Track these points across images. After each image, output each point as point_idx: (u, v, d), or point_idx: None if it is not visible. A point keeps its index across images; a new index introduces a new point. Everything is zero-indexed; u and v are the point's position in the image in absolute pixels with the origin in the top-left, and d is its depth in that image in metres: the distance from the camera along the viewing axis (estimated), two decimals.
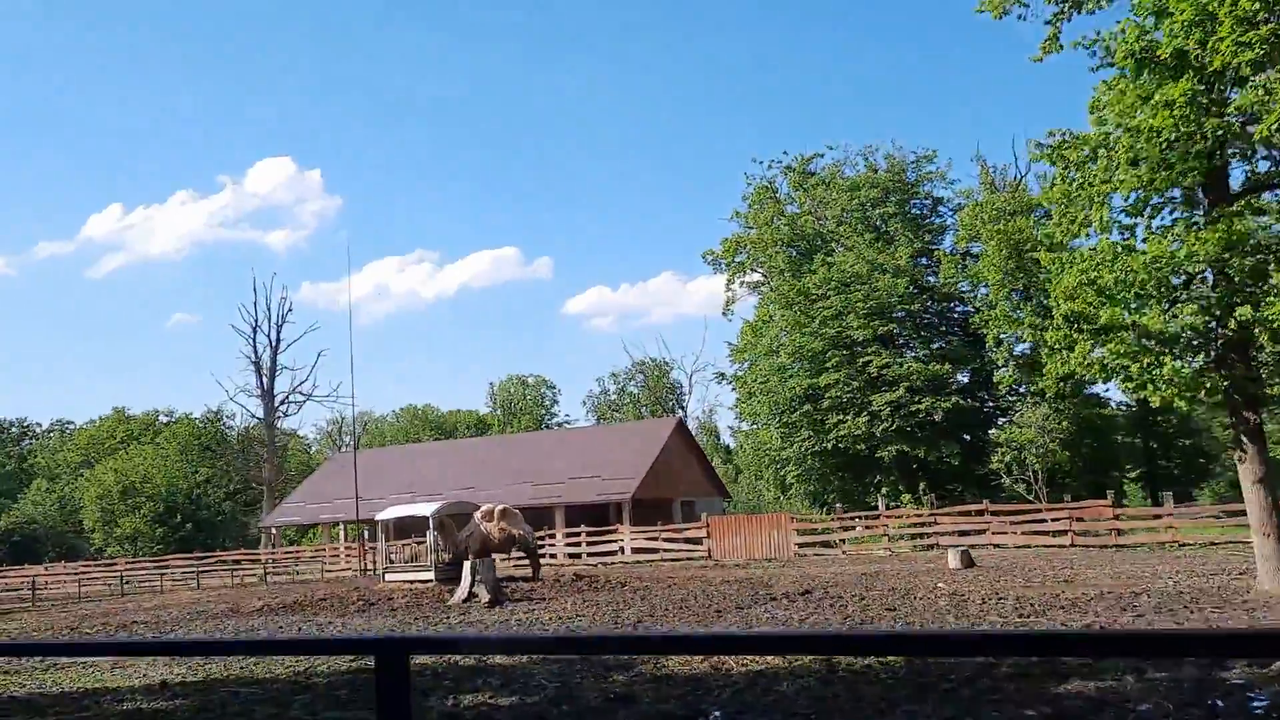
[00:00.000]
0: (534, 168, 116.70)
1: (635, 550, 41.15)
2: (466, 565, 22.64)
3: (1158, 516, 31.45)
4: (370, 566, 44.59)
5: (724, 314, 53.17)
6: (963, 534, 34.87)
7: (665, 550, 40.30)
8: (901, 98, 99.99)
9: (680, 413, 75.52)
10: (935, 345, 41.61)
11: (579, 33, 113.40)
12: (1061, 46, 16.96)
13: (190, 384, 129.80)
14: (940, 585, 20.30)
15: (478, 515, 26.88)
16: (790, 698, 9.16)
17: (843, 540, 37.16)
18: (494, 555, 27.18)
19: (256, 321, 63.22)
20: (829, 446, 41.08)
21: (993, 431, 37.69)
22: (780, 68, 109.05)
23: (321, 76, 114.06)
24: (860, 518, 37.94)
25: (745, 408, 46.22)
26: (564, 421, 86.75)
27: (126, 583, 44.50)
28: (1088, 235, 15.30)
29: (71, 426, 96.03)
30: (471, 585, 22.04)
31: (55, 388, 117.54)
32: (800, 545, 38.00)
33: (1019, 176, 43.87)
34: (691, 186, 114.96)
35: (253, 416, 67.16)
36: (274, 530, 54.72)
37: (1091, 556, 27.88)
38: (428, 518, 27.26)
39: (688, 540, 40.65)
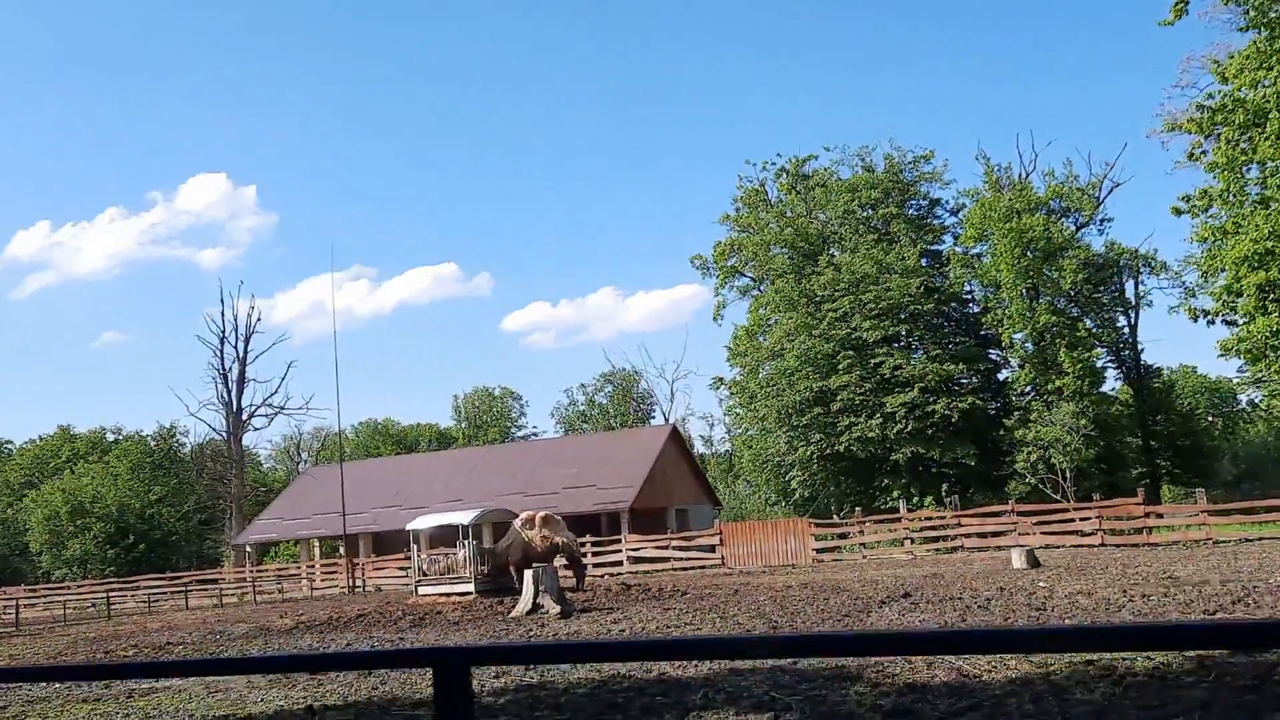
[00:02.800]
0: (474, 183, 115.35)
1: (640, 559, 39.78)
2: (528, 575, 21.19)
3: (1195, 514, 31.02)
4: (357, 583, 42.64)
5: (714, 319, 52.28)
6: (987, 535, 34.22)
7: (676, 559, 39.06)
8: (880, 98, 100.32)
9: (657, 421, 74.40)
10: (945, 345, 41.03)
11: (519, 45, 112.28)
12: (1187, 11, 16.25)
13: (128, 402, 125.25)
14: (1041, 584, 19.39)
15: (517, 523, 25.39)
16: (1108, 705, 8.01)
17: (862, 545, 36.30)
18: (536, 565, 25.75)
19: (224, 332, 60.56)
20: (840, 449, 40.21)
21: (1019, 431, 37.14)
22: (726, 74, 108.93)
23: (257, 91, 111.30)
24: (876, 521, 37.08)
25: (747, 413, 45.18)
26: (531, 434, 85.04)
27: (93, 606, 41.89)
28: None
29: (11, 446, 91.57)
30: (535, 596, 20.57)
31: None
32: (817, 551, 37.07)
33: (1024, 174, 43.63)
34: (634, 202, 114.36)
35: (215, 432, 64.33)
36: (248, 548, 52.26)
37: (1140, 555, 27.27)
38: (463, 526, 25.69)
39: (699, 548, 39.47)
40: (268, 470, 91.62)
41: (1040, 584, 19.43)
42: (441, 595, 24.86)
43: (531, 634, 18.02)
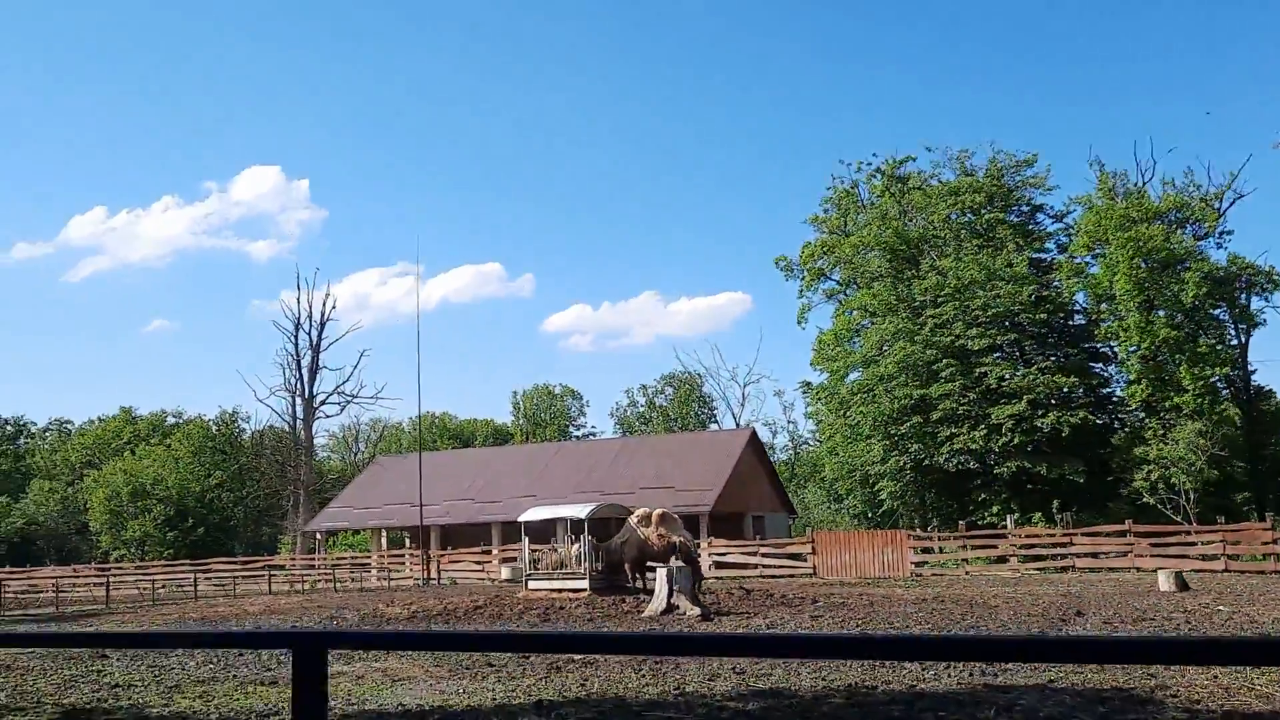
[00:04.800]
0: (523, 184, 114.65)
1: (724, 565, 38.66)
2: (660, 574, 20.22)
3: None
4: (433, 576, 41.89)
5: (798, 322, 51.08)
6: (1100, 555, 32.78)
7: (764, 565, 37.97)
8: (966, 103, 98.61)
9: (721, 424, 73.27)
10: (1053, 356, 39.58)
11: (572, 47, 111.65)
12: None
13: (179, 387, 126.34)
14: (1221, 609, 18.10)
15: (633, 520, 24.42)
16: None
17: (964, 560, 34.97)
18: (651, 564, 24.77)
19: (299, 319, 60.26)
20: (939, 461, 38.88)
21: (1139, 449, 35.65)
22: (776, 77, 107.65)
23: (313, 86, 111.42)
24: (976, 537, 35.72)
25: (837, 419, 43.91)
26: (590, 433, 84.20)
27: (162, 587, 41.46)
28: None
29: (71, 426, 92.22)
30: (669, 596, 19.57)
31: (29, 387, 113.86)
32: (915, 564, 35.83)
33: (1141, 182, 42.06)
34: (680, 206, 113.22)
35: (281, 418, 64.01)
36: (318, 535, 51.81)
37: (1275, 584, 25.75)
38: (574, 520, 24.77)
39: (788, 555, 38.38)
40: (322, 460, 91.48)
41: (1220, 608, 18.15)
42: (553, 590, 23.94)
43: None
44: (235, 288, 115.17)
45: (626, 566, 24.22)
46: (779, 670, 11.35)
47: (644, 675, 11.37)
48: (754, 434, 49.66)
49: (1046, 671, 10.56)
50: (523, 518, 26.26)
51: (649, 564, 24.68)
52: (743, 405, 71.69)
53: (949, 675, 10.61)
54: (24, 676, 12.88)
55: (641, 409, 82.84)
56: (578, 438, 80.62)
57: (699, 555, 25.96)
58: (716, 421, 77.57)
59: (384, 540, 50.57)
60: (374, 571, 44.41)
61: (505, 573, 39.28)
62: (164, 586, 38.71)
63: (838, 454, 44.56)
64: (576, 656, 13.01)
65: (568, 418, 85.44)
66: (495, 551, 42.77)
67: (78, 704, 10.45)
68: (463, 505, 48.54)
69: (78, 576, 47.81)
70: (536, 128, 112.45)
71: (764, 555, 38.45)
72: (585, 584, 23.63)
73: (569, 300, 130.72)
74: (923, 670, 10.93)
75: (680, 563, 24.31)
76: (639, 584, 24.38)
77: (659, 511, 24.36)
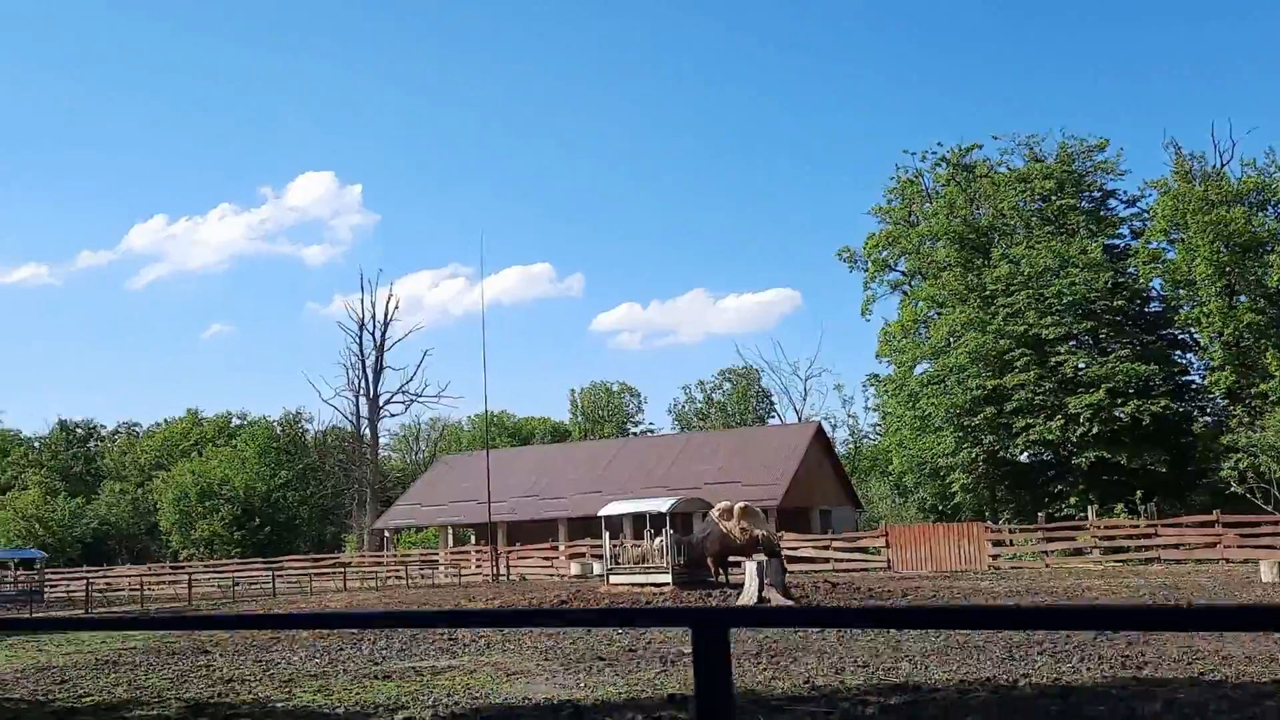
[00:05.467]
0: (571, 185, 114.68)
1: (795, 559, 38.19)
2: (750, 567, 19.97)
3: None
4: (501, 572, 41.94)
5: (862, 314, 50.44)
6: (1188, 547, 31.88)
7: (836, 560, 37.53)
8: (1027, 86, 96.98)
9: (777, 419, 72.72)
10: (1132, 345, 38.57)
11: (616, 45, 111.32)
12: None
13: (238, 391, 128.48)
14: None
15: (714, 513, 24.17)
16: None
17: (1045, 553, 34.24)
18: (732, 559, 24.51)
19: (362, 320, 60.80)
20: (1013, 452, 38.11)
21: (1226, 437, 34.64)
22: (823, 71, 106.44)
23: (365, 93, 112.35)
24: (1055, 529, 34.96)
25: (906, 411, 43.22)
26: (648, 430, 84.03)
27: (235, 585, 41.94)
28: None
29: (139, 429, 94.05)
30: (760, 589, 19.29)
31: (96, 392, 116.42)
32: (993, 558, 35.19)
33: (1220, 164, 40.84)
34: (728, 203, 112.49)
35: (346, 418, 64.64)
36: (386, 532, 52.22)
37: None
38: (657, 515, 24.55)
39: (860, 549, 37.91)
40: (383, 459, 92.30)
41: None
42: (635, 585, 23.76)
43: None
44: (290, 292, 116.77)
45: (709, 560, 23.99)
46: (905, 664, 11.03)
47: (764, 669, 11.12)
48: (819, 428, 49.11)
49: (1193, 665, 10.14)
50: (603, 512, 26.12)
51: (731, 558, 24.43)
52: (804, 399, 71.00)
53: (1088, 670, 10.22)
54: (133, 672, 12.94)
55: (699, 405, 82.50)
56: (635, 435, 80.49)
57: (781, 548, 25.61)
58: (777, 416, 77.01)
59: (450, 537, 50.85)
60: (441, 568, 44.59)
61: (574, 568, 39.23)
62: (237, 584, 39.17)
63: (906, 447, 43.88)
64: (687, 650, 12.78)
65: (625, 415, 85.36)
66: (563, 548, 42.76)
67: (199, 699, 10.42)
68: (528, 502, 48.60)
69: (153, 575, 48.67)
70: (583, 128, 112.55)
71: (836, 549, 38.04)
72: (668, 578, 23.42)
73: (618, 299, 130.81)
74: (1057, 664, 10.55)
75: (762, 557, 24.01)
76: (721, 578, 24.14)
77: (741, 505, 24.08)
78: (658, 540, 24.10)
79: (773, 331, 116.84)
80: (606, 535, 24.90)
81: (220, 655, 14.44)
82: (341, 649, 14.51)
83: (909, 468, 44.41)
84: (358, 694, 10.33)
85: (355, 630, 17.62)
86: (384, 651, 14.13)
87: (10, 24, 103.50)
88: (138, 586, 40.80)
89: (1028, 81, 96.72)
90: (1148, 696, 8.61)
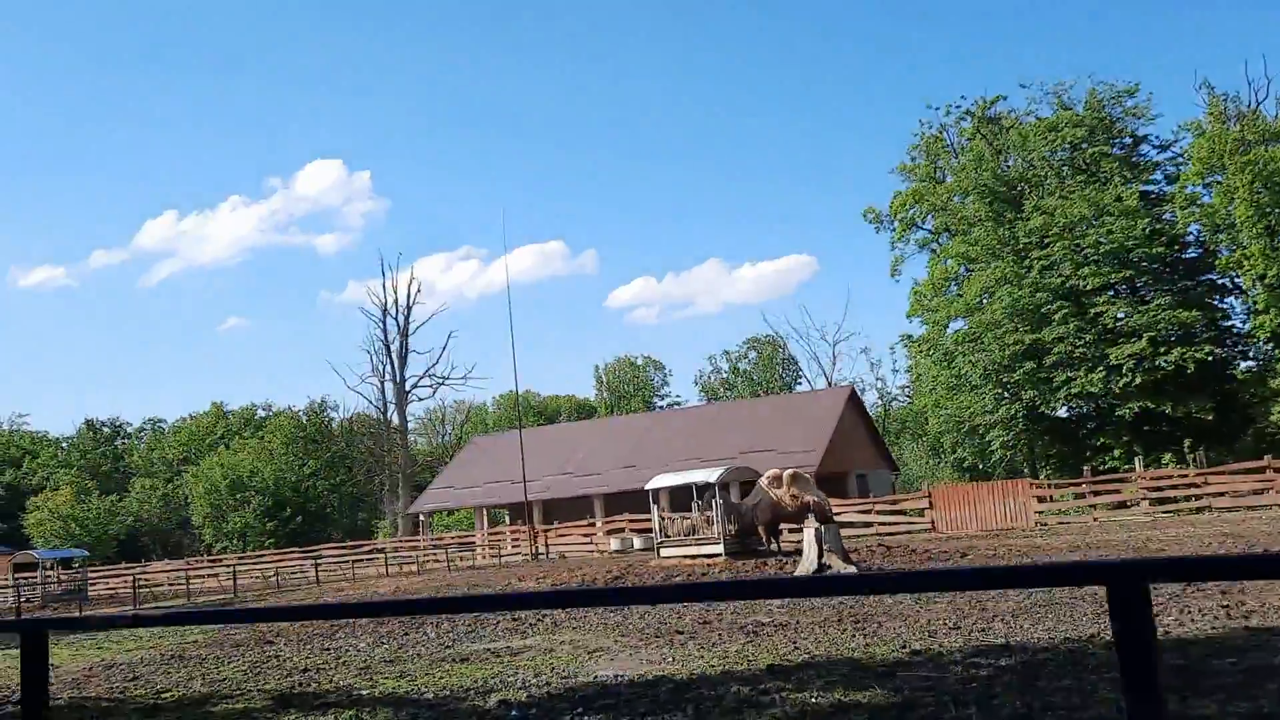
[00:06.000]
0: (580, 161, 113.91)
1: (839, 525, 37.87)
2: (808, 534, 19.65)
3: None
4: (540, 550, 41.83)
5: (891, 274, 49.86)
6: (1239, 494, 31.38)
7: (880, 523, 37.20)
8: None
9: (804, 386, 72.29)
10: (1172, 292, 37.87)
11: (621, 18, 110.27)
12: None
13: (260, 382, 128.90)
14: None
15: (764, 481, 23.85)
16: None
17: (1092, 507, 33.80)
18: (783, 526, 24.22)
19: (385, 305, 60.60)
20: (1054, 407, 37.58)
21: (1275, 381, 34.04)
22: (833, 31, 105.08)
23: (369, 78, 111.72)
24: (1101, 482, 34.47)
25: (941, 370, 42.69)
26: (675, 403, 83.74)
27: (274, 575, 41.96)
28: None
29: (165, 424, 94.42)
30: (820, 556, 18.98)
31: (119, 390, 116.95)
32: (1039, 514, 34.77)
33: (1254, 103, 39.93)
34: (738, 171, 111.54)
35: (372, 405, 64.62)
36: (420, 516, 52.19)
37: None
38: (701, 485, 24.26)
39: (903, 511, 37.57)
40: (410, 443, 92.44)
41: None
42: (687, 557, 23.49)
43: None
44: (304, 281, 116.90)
45: (760, 529, 23.69)
46: (996, 624, 10.69)
47: (851, 635, 10.80)
48: (853, 391, 48.66)
49: None
50: (650, 485, 25.84)
51: (781, 525, 24.15)
52: (834, 364, 70.48)
53: (1193, 622, 9.86)
54: (203, 666, 12.74)
55: (725, 375, 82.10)
56: (662, 408, 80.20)
57: (833, 513, 25.27)
58: (807, 382, 76.55)
59: (485, 518, 50.77)
60: (480, 549, 44.50)
61: (614, 544, 39.01)
62: (278, 575, 39.22)
63: (942, 407, 43.38)
64: (766, 621, 12.49)
65: (651, 389, 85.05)
66: (600, 524, 42.56)
67: (281, 689, 10.18)
68: (562, 480, 48.42)
69: (191, 569, 48.79)
70: (588, 103, 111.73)
71: (878, 512, 37.71)
72: (720, 549, 23.15)
73: (633, 274, 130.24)
74: (1159, 618, 10.17)
75: (816, 523, 23.67)
76: (773, 546, 23.86)
77: (790, 471, 23.76)
78: (707, 511, 23.81)
79: (792, 298, 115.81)
80: (655, 509, 24.63)
81: (285, 645, 14.24)
82: (406, 634, 14.28)
83: (947, 427, 43.93)
84: (441, 678, 10.07)
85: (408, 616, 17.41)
86: (451, 635, 13.88)
87: (10, 24, 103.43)
88: (177, 581, 40.94)
89: (1052, 30, 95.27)
90: (1268, 648, 8.25)
